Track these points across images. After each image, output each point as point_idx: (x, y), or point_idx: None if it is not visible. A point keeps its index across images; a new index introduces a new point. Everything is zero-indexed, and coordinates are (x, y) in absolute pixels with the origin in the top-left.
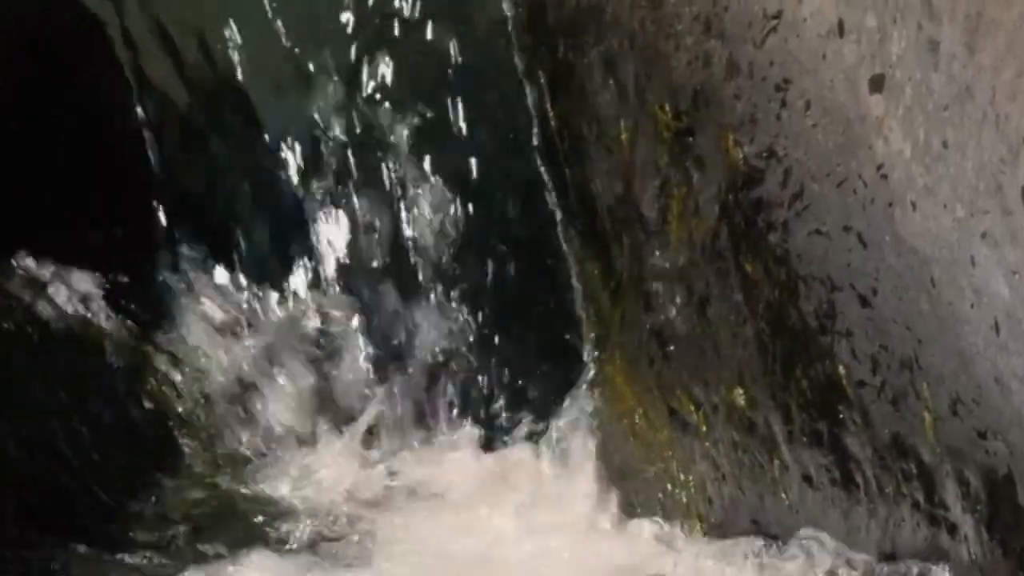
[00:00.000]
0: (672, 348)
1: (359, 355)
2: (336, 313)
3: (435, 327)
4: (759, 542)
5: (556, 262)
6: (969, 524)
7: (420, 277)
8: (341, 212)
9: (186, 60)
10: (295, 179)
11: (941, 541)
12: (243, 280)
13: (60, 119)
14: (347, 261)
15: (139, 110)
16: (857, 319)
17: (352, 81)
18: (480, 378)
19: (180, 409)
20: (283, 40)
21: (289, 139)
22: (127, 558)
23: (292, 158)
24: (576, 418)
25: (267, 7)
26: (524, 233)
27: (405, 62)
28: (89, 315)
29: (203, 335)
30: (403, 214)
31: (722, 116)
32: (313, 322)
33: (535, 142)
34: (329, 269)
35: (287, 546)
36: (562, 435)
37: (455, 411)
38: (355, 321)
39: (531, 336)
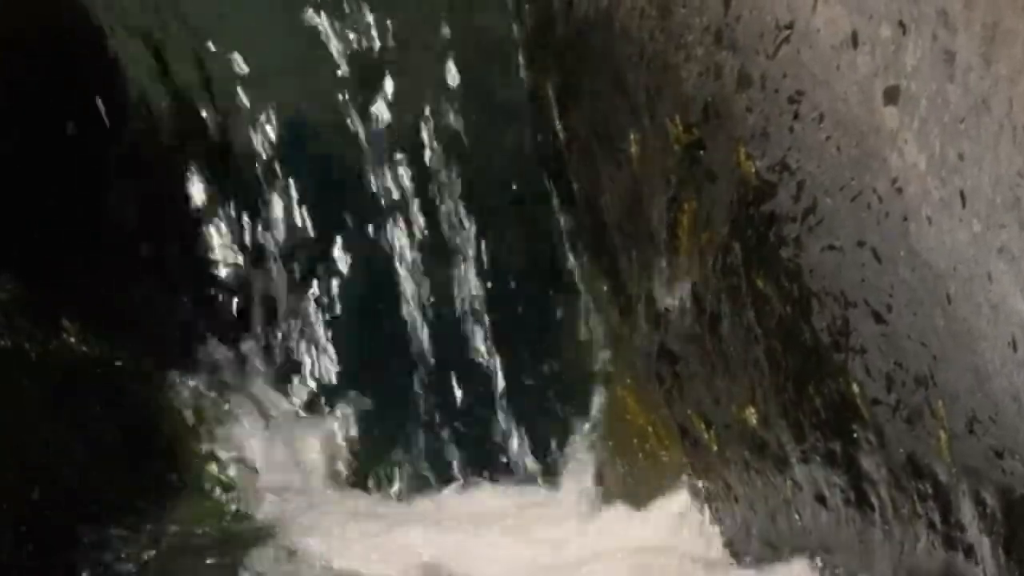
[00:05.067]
0: (683, 366)
1: (356, 375)
2: (341, 333)
3: (440, 343)
4: None
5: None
6: (986, 546)
7: (425, 294)
8: (345, 231)
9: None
10: (303, 203)
11: (957, 563)
12: (253, 310)
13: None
14: (349, 278)
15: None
16: (871, 336)
17: (357, 99)
18: (483, 398)
19: (181, 431)
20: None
21: (299, 162)
22: None
23: (301, 182)
24: (585, 439)
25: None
26: (532, 250)
27: (411, 75)
28: (89, 340)
29: (210, 364)
30: (405, 234)
31: (733, 129)
32: (318, 351)
33: (542, 155)
34: (335, 291)
35: None
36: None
37: (459, 432)
38: (354, 340)
39: (538, 354)
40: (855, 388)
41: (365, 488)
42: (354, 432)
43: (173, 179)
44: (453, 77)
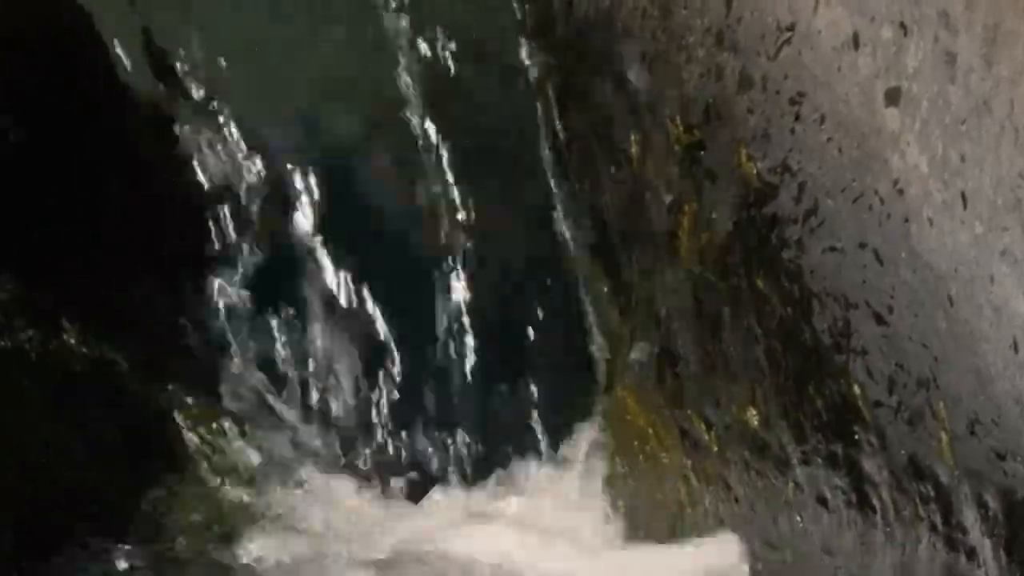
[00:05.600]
0: (683, 367)
1: (363, 377)
2: (342, 335)
3: (442, 346)
4: None
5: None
6: (987, 548)
7: (424, 295)
8: (346, 231)
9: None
10: (304, 202)
11: (959, 565)
12: (252, 307)
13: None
14: (350, 277)
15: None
16: (872, 337)
17: (357, 98)
18: (487, 400)
19: (181, 432)
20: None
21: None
22: None
23: (302, 182)
24: (586, 440)
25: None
26: (533, 249)
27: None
28: (89, 341)
29: (208, 360)
30: (406, 234)
31: (735, 130)
32: (323, 346)
33: (543, 156)
34: (337, 291)
35: None
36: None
37: (464, 433)
38: (361, 341)
39: (540, 355)
40: (856, 389)
41: (368, 487)
42: (358, 431)
43: (174, 180)
44: (453, 78)
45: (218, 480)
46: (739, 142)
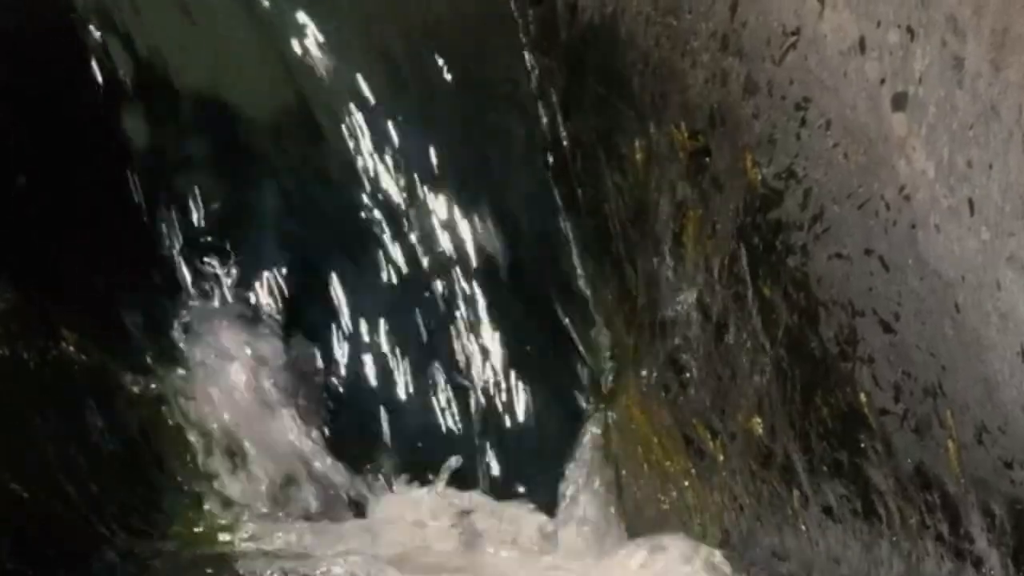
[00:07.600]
0: (688, 375)
1: (363, 384)
2: (338, 339)
3: (443, 352)
4: None
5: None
6: (995, 558)
7: (428, 302)
8: (343, 231)
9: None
10: (303, 210)
11: (966, 575)
12: (250, 314)
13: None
14: (349, 283)
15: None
16: (879, 345)
17: (360, 99)
18: (490, 407)
19: (181, 441)
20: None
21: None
22: None
23: (301, 190)
24: (589, 449)
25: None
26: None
27: (414, 79)
28: (87, 344)
29: (207, 368)
30: (409, 238)
31: (740, 136)
32: (319, 352)
33: (547, 162)
34: (331, 293)
35: None
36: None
37: (465, 439)
38: (359, 347)
39: (543, 362)
40: (863, 398)
41: (370, 504)
42: (358, 445)
43: (176, 186)
44: (455, 82)
45: (221, 494)
46: (744, 148)
